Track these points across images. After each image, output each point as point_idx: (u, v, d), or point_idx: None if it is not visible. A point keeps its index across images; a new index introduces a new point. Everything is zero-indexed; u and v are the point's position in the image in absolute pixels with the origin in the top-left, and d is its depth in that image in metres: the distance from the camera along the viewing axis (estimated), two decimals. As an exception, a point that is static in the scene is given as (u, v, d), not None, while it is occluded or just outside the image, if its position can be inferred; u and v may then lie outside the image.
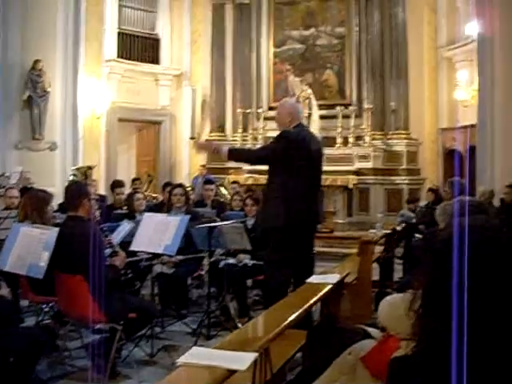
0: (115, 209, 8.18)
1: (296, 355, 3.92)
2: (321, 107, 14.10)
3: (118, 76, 15.03)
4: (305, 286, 4.08)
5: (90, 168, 9.86)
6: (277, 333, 2.74)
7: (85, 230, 4.55)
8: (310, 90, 14.14)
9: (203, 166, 15.13)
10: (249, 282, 6.94)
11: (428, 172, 14.05)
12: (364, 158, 13.69)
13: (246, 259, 6.77)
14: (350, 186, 13.30)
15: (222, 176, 13.96)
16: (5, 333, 4.05)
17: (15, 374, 3.95)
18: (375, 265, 7.06)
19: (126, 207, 7.95)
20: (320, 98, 14.33)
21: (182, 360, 2.29)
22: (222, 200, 9.96)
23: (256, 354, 2.41)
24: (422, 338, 1.49)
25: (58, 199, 7.09)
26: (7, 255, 4.80)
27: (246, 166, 14.15)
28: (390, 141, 13.94)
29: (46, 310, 5.53)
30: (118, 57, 15.03)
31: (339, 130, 13.87)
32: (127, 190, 9.68)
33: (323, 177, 12.70)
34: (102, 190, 12.76)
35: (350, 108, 13.97)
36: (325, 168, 12.98)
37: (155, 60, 16.07)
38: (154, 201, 10.65)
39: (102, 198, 9.43)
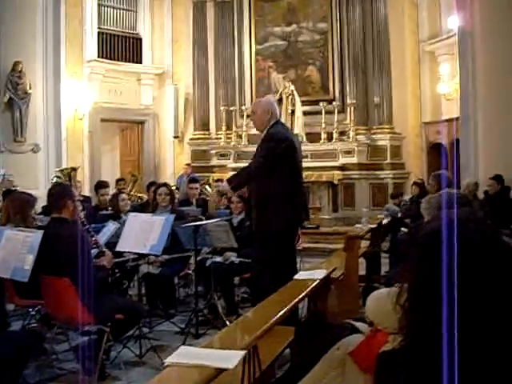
0: (100, 210, 8.14)
1: (284, 352, 3.92)
2: (304, 103, 14.12)
3: (99, 76, 14.96)
4: (292, 282, 4.07)
5: (73, 169, 9.76)
6: (265, 330, 2.73)
7: (69, 231, 4.52)
8: (292, 87, 14.14)
9: (188, 164, 15.10)
10: (236, 279, 6.93)
11: (412, 166, 14.11)
12: (348, 153, 13.72)
13: (233, 257, 6.76)
14: (335, 181, 13.33)
15: (207, 174, 13.94)
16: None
17: (2, 378, 3.92)
18: (362, 259, 7.09)
19: (110, 208, 7.90)
20: (303, 95, 14.34)
21: (170, 360, 2.28)
22: (207, 199, 9.93)
23: (244, 352, 2.40)
24: (409, 332, 1.49)
25: (41, 202, 7.03)
26: (-9, 259, 4.75)
27: (231, 164, 14.18)
28: (373, 135, 13.99)
29: (33, 313, 5.49)
30: (99, 57, 14.96)
31: (323, 125, 13.89)
32: (111, 190, 9.63)
33: (309, 173, 12.76)
34: (87, 191, 12.71)
35: (334, 103, 13.98)
36: (310, 164, 13.20)
37: (137, 59, 16.01)
38: (139, 201, 10.61)
39: (86, 200, 9.37)
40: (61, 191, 4.89)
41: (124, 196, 7.82)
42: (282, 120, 7.85)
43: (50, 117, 13.25)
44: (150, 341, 5.52)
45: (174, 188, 8.63)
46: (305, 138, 13.94)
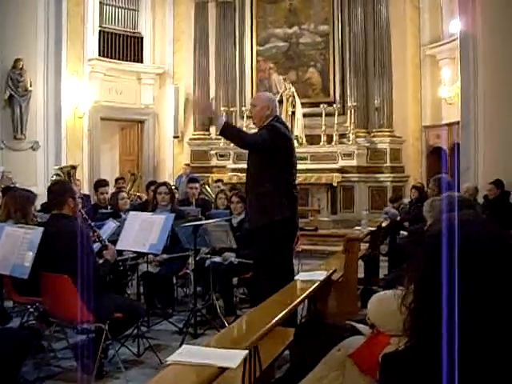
0: (99, 208, 8.13)
1: (283, 353, 3.91)
2: (304, 105, 14.13)
3: (100, 75, 14.96)
4: (292, 283, 4.07)
5: (73, 167, 9.78)
6: (268, 329, 2.73)
7: (70, 228, 4.50)
8: (293, 88, 14.16)
9: (187, 164, 15.10)
10: (234, 280, 6.92)
11: (411, 170, 14.12)
12: (348, 155, 13.72)
13: (232, 257, 6.74)
14: (335, 183, 13.33)
15: (206, 175, 13.95)
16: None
17: (1, 375, 3.90)
18: (360, 262, 7.07)
19: (110, 206, 7.89)
20: (303, 96, 14.36)
21: (172, 358, 2.27)
22: (206, 199, 9.92)
23: (247, 352, 2.39)
24: (415, 334, 1.48)
25: (41, 199, 7.02)
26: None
27: (231, 165, 14.17)
28: (373, 138, 13.99)
29: (31, 310, 5.47)
30: (100, 55, 14.96)
31: (323, 127, 13.89)
32: (111, 189, 9.62)
33: (308, 174, 12.74)
34: (86, 189, 12.70)
35: (334, 106, 13.99)
36: (309, 166, 13.16)
37: (138, 59, 16.01)
38: (138, 200, 10.59)
39: (85, 198, 9.36)
40: (61, 188, 4.87)
41: (124, 195, 7.82)
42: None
43: (50, 115, 13.24)
44: (148, 340, 5.51)
45: (173, 188, 8.62)
46: (304, 140, 13.96)
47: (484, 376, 1.32)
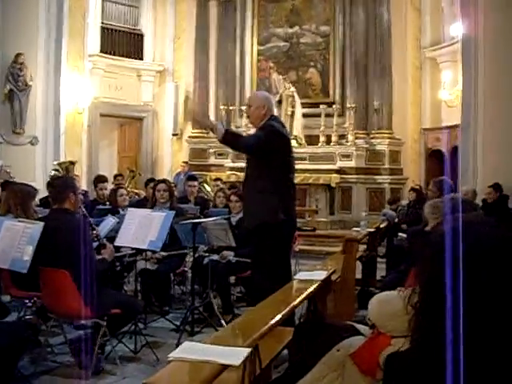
0: (98, 204, 8.12)
1: (281, 352, 3.91)
2: (304, 105, 14.14)
3: (100, 71, 14.96)
4: (293, 282, 4.07)
5: (71, 163, 9.74)
6: (270, 328, 2.73)
7: (71, 223, 4.50)
8: (293, 88, 14.17)
9: (185, 162, 15.09)
10: (231, 278, 6.92)
11: (410, 172, 14.12)
12: (346, 156, 13.72)
13: (230, 256, 6.74)
14: (333, 184, 13.33)
15: (204, 173, 13.95)
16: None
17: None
18: (357, 263, 7.07)
19: (108, 203, 7.89)
20: (303, 97, 14.37)
21: (173, 355, 2.27)
22: (205, 197, 9.92)
23: (249, 350, 2.39)
24: (421, 334, 1.48)
25: (39, 194, 7.00)
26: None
27: (229, 164, 14.17)
28: (372, 140, 14.00)
29: (29, 305, 5.46)
30: (101, 52, 14.94)
31: (322, 128, 13.90)
32: (109, 185, 9.60)
33: (307, 175, 12.72)
34: (84, 185, 12.67)
35: (334, 107, 13.99)
36: (308, 166, 13.15)
37: (138, 55, 16.02)
38: (137, 197, 10.57)
39: (83, 194, 9.34)
40: (63, 183, 4.87)
41: (123, 191, 7.81)
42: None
43: (50, 110, 13.22)
44: (145, 337, 5.50)
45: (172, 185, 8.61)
46: (303, 140, 13.96)
47: (489, 376, 1.33)
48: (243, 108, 14.72)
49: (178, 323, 6.17)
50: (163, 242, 5.55)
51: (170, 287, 7.15)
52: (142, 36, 16.15)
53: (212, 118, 15.67)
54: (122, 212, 6.89)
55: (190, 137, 15.98)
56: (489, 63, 10.28)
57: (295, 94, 14.07)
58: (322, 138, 13.94)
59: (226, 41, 15.54)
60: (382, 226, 9.05)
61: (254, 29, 15.31)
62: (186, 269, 7.29)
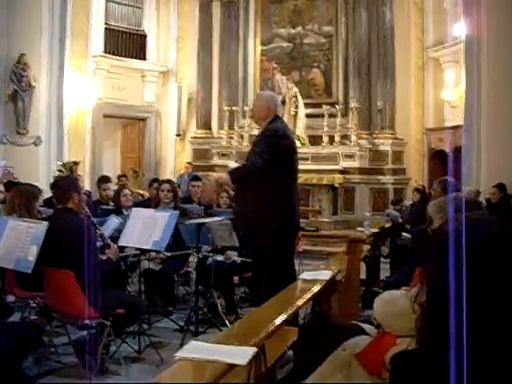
0: (101, 204, 8.12)
1: (286, 353, 3.90)
2: (307, 106, 14.13)
3: (104, 72, 14.97)
4: (298, 282, 4.06)
5: (75, 163, 9.75)
6: (276, 327, 2.72)
7: (75, 223, 4.50)
8: (296, 89, 14.16)
9: (189, 163, 15.09)
10: (235, 279, 6.91)
11: (413, 172, 14.11)
12: (350, 157, 13.72)
13: (234, 256, 6.73)
14: (336, 184, 13.32)
15: (208, 173, 13.92)
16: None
17: (1, 370, 3.89)
18: (361, 263, 7.05)
19: (112, 203, 7.89)
20: (306, 97, 14.36)
21: (180, 354, 2.27)
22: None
23: (255, 349, 2.39)
24: (427, 333, 1.48)
25: (43, 194, 7.01)
26: (-6, 249, 4.73)
27: (233, 164, 14.14)
28: (375, 140, 13.99)
29: (33, 305, 5.46)
30: (105, 52, 14.96)
31: (325, 128, 13.88)
32: (113, 186, 9.61)
33: (310, 175, 12.69)
34: (87, 185, 12.68)
35: (337, 107, 13.97)
36: (311, 166, 13.15)
37: (142, 56, 16.04)
38: (140, 198, 10.57)
39: (87, 194, 9.34)
40: (67, 183, 4.87)
41: (127, 191, 7.82)
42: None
43: (53, 110, 13.23)
44: (149, 337, 5.50)
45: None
46: (307, 141, 13.95)
47: (495, 376, 1.32)
48: (246, 108, 14.75)
49: (181, 323, 6.17)
50: (167, 243, 5.56)
51: (173, 287, 7.14)
52: (145, 37, 16.17)
53: (215, 118, 15.72)
54: (125, 212, 6.88)
55: (193, 137, 15.99)
56: (492, 63, 10.27)
57: (298, 95, 14.07)
58: (325, 139, 13.93)
59: (229, 41, 15.55)
60: (385, 226, 9.04)
61: (256, 29, 15.32)
62: (189, 269, 7.29)
